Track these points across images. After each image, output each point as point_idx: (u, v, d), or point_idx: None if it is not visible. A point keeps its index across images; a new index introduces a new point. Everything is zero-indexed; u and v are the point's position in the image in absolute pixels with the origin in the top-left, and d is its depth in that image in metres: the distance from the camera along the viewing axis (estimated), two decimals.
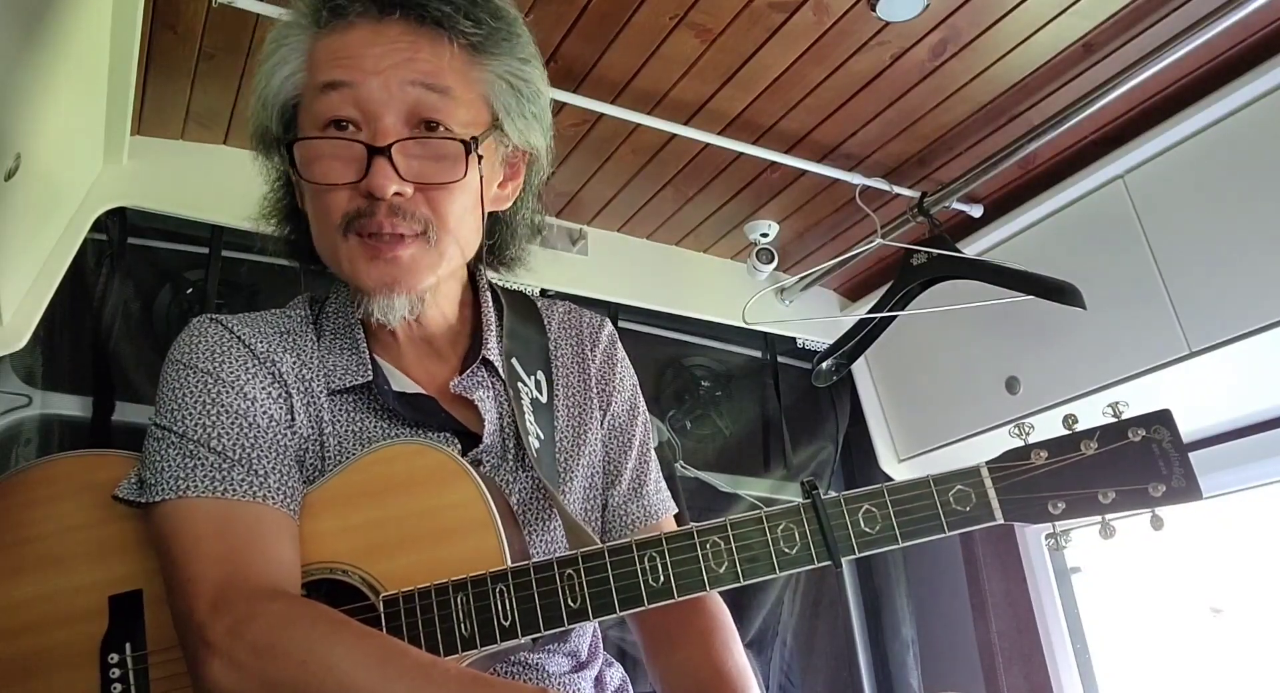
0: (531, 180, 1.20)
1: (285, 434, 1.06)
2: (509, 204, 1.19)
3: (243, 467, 1.00)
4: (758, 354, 2.68)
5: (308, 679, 0.87)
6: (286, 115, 1.10)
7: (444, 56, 1.05)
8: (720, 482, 2.48)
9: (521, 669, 1.10)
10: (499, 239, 1.22)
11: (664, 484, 1.32)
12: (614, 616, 0.97)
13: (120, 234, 1.94)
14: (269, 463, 1.02)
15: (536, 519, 1.14)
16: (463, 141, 1.05)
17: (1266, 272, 1.77)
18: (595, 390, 1.26)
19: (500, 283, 1.31)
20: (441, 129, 1.05)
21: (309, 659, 0.88)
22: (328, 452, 1.08)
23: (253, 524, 0.98)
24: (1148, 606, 2.36)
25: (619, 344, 1.33)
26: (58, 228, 1.77)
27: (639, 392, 1.33)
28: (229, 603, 0.92)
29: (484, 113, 1.09)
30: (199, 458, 1.00)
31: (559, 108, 1.90)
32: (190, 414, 1.03)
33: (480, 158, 1.06)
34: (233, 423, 1.03)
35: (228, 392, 1.05)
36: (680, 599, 0.98)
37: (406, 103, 1.04)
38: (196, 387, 1.05)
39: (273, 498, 1.00)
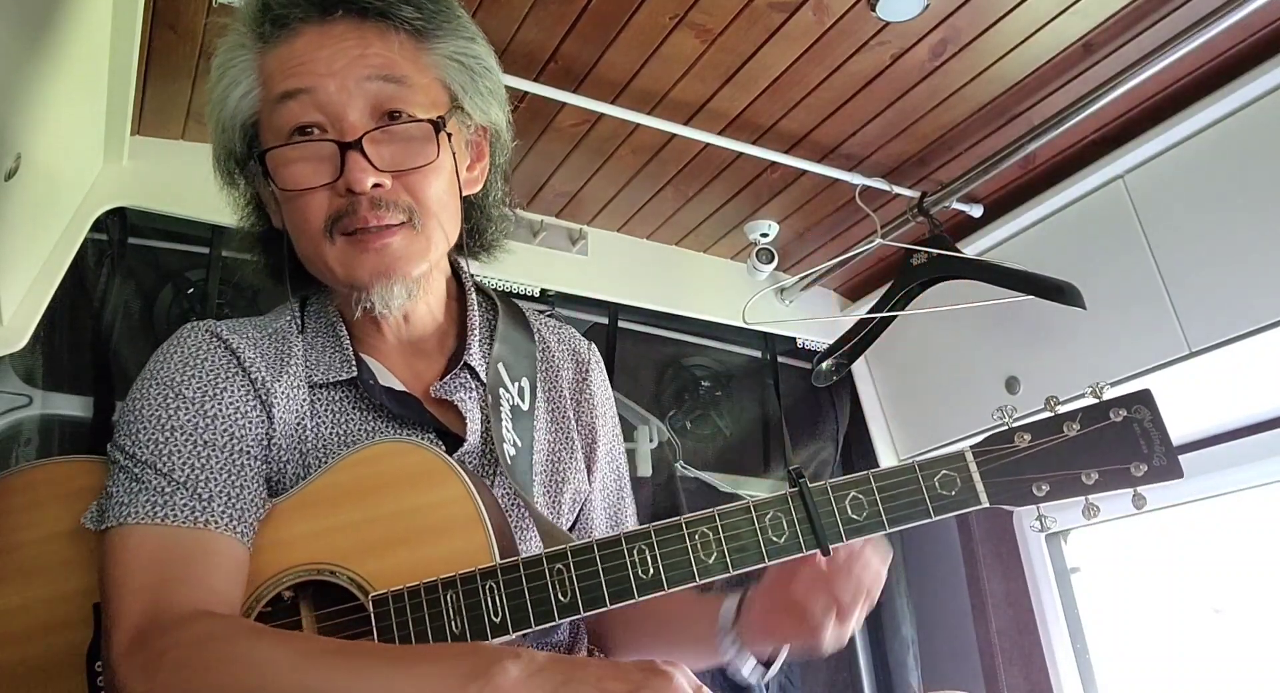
0: (497, 160, 1.21)
1: (247, 453, 1.03)
2: (480, 187, 1.19)
3: (187, 491, 0.97)
4: (757, 354, 2.68)
5: (229, 682, 0.85)
6: (248, 134, 1.09)
7: (393, 47, 1.05)
8: (720, 482, 2.47)
9: None
10: (475, 223, 1.21)
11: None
12: (605, 610, 0.97)
13: (121, 234, 1.94)
14: (216, 486, 0.99)
15: (516, 527, 1.13)
16: (430, 121, 1.05)
17: (1266, 272, 1.76)
18: (572, 407, 1.26)
19: (499, 285, 1.31)
20: (405, 116, 1.05)
21: (233, 664, 0.86)
22: (308, 447, 1.07)
23: (188, 553, 0.95)
24: (1148, 606, 2.36)
25: (604, 371, 1.33)
26: (58, 228, 1.77)
27: (618, 426, 1.33)
28: (144, 643, 0.89)
29: (442, 95, 1.10)
30: (144, 482, 0.98)
31: (559, 107, 1.91)
32: (144, 432, 1.01)
33: (450, 135, 1.07)
34: (185, 441, 1.00)
35: (187, 408, 1.02)
36: (671, 591, 0.97)
37: (367, 98, 1.04)
38: (156, 402, 1.02)
39: (216, 523, 0.96)
